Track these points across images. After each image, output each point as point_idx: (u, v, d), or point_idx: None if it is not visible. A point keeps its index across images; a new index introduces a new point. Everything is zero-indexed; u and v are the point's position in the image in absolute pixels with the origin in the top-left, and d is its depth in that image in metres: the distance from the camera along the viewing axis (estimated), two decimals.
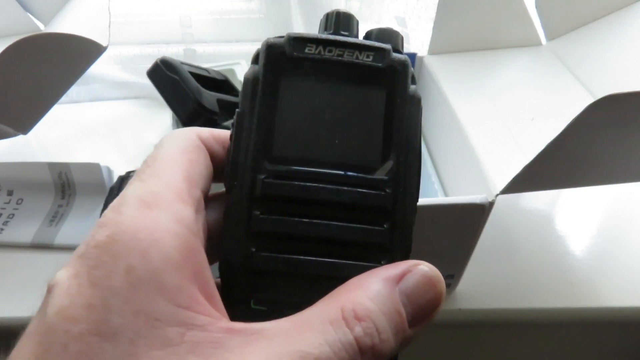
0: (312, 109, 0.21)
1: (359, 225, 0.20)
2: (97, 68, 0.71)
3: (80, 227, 0.51)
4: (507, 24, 0.55)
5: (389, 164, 0.21)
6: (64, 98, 0.55)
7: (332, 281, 0.19)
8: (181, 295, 0.17)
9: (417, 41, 0.72)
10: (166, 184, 0.19)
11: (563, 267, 0.49)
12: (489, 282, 0.47)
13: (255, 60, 0.22)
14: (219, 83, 0.60)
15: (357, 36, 0.23)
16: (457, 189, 0.48)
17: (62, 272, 0.17)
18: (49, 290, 0.17)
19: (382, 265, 0.20)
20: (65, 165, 0.53)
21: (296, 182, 0.20)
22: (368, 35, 0.23)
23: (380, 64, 0.21)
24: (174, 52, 0.73)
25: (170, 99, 0.56)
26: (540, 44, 0.57)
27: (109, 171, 0.55)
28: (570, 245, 0.52)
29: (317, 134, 0.21)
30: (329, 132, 0.21)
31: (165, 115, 0.66)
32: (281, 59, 0.21)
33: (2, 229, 0.51)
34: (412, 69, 0.22)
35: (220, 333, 0.17)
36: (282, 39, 0.21)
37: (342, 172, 0.21)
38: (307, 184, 0.20)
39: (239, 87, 0.62)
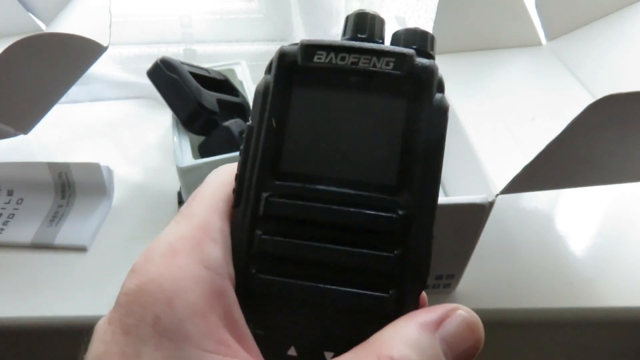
0: (323, 122, 0.19)
1: (365, 251, 0.18)
2: (97, 68, 0.71)
3: (80, 227, 0.51)
4: (507, 24, 0.55)
5: (406, 183, 0.19)
6: (64, 98, 0.55)
7: (332, 310, 0.18)
8: (208, 341, 0.17)
9: None
10: (197, 226, 0.19)
11: (563, 267, 0.49)
12: (489, 282, 0.47)
13: (269, 69, 0.20)
14: (219, 83, 0.60)
15: (381, 39, 0.20)
16: (457, 189, 0.48)
17: (103, 317, 0.18)
18: (93, 333, 0.18)
19: (389, 295, 0.18)
20: (65, 165, 0.53)
21: (300, 202, 0.19)
22: (395, 37, 0.20)
23: (399, 72, 0.19)
24: (174, 52, 0.73)
25: (170, 99, 0.56)
26: (540, 44, 0.57)
27: (109, 171, 0.55)
28: (570, 245, 0.52)
29: (328, 149, 0.19)
30: (341, 147, 0.19)
31: (165, 115, 0.66)
32: (293, 68, 0.19)
33: (2, 229, 0.51)
34: (439, 75, 0.19)
35: None
36: (296, 47, 0.19)
37: (353, 191, 0.19)
38: (313, 203, 0.19)
39: (239, 87, 0.62)
